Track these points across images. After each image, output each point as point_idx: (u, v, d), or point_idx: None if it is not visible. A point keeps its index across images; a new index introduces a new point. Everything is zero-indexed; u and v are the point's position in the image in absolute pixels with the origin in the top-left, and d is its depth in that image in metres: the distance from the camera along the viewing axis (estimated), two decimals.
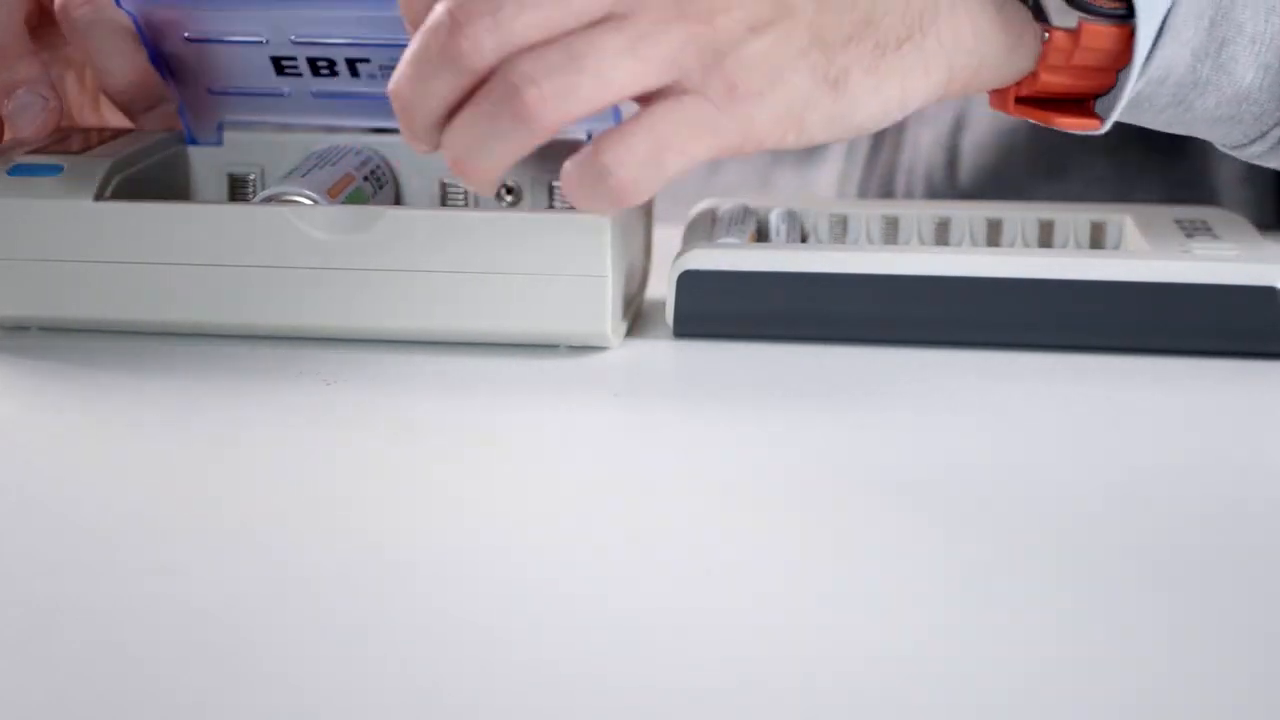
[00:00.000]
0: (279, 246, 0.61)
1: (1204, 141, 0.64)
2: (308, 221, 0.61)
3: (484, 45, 0.52)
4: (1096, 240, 0.67)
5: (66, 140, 0.66)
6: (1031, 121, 0.60)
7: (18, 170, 0.62)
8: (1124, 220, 0.66)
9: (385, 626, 0.42)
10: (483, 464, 0.53)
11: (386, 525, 0.48)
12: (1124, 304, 0.60)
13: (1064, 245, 0.67)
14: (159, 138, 0.67)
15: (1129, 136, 0.67)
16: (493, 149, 0.54)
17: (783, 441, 0.55)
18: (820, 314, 0.62)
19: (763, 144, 0.55)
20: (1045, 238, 0.67)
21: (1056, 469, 0.53)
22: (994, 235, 0.67)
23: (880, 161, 0.84)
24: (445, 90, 0.54)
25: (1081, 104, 0.60)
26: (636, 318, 0.65)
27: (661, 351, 0.62)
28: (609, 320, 0.60)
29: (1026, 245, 0.67)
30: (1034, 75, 0.59)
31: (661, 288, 0.63)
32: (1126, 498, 0.50)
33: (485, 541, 0.47)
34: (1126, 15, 0.57)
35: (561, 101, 0.52)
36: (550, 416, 0.56)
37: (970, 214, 0.67)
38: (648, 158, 0.53)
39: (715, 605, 0.43)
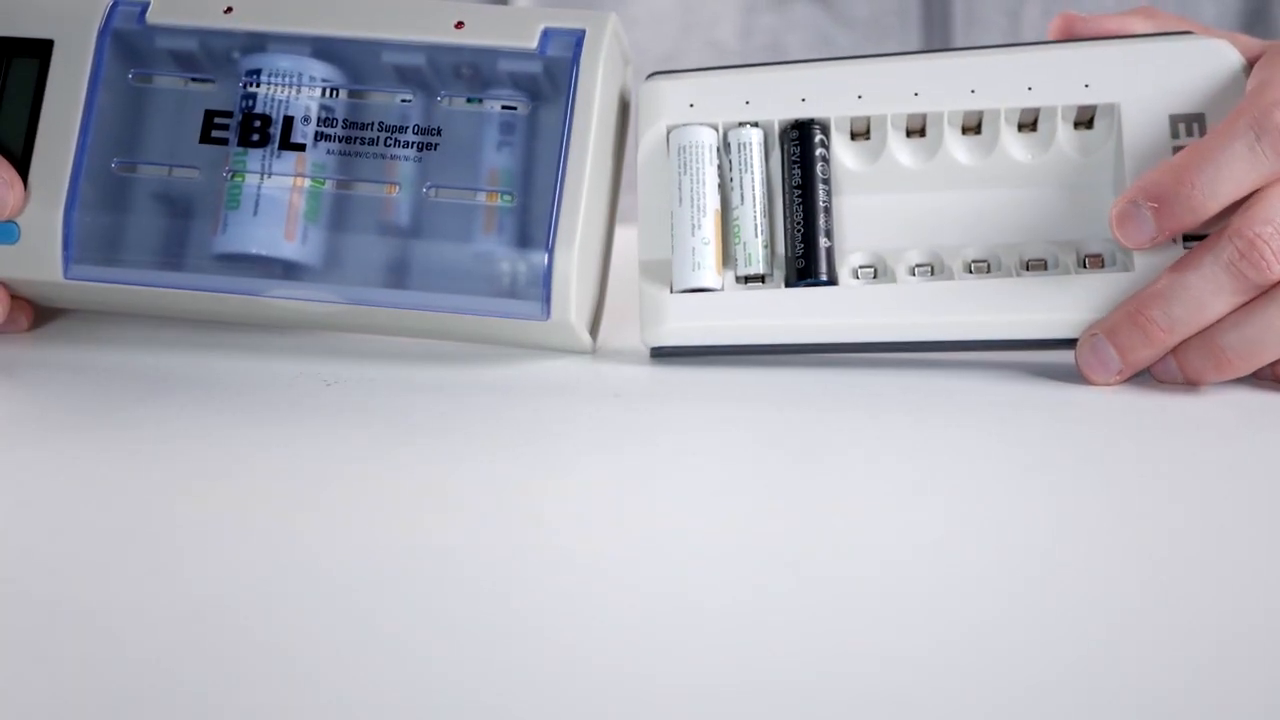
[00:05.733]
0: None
1: None
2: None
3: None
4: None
5: None
6: None
7: None
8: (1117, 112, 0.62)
9: (380, 629, 0.41)
10: (486, 466, 0.52)
11: (382, 527, 0.48)
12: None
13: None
14: None
15: None
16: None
17: (778, 443, 0.55)
18: (804, 353, 0.61)
19: None
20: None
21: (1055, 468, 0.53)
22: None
23: None
24: (1230, 300, 0.58)
25: None
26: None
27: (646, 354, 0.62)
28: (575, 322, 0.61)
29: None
30: None
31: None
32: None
33: (483, 543, 0.47)
34: None
35: None
36: (549, 418, 0.56)
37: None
38: None
39: (712, 608, 0.42)
